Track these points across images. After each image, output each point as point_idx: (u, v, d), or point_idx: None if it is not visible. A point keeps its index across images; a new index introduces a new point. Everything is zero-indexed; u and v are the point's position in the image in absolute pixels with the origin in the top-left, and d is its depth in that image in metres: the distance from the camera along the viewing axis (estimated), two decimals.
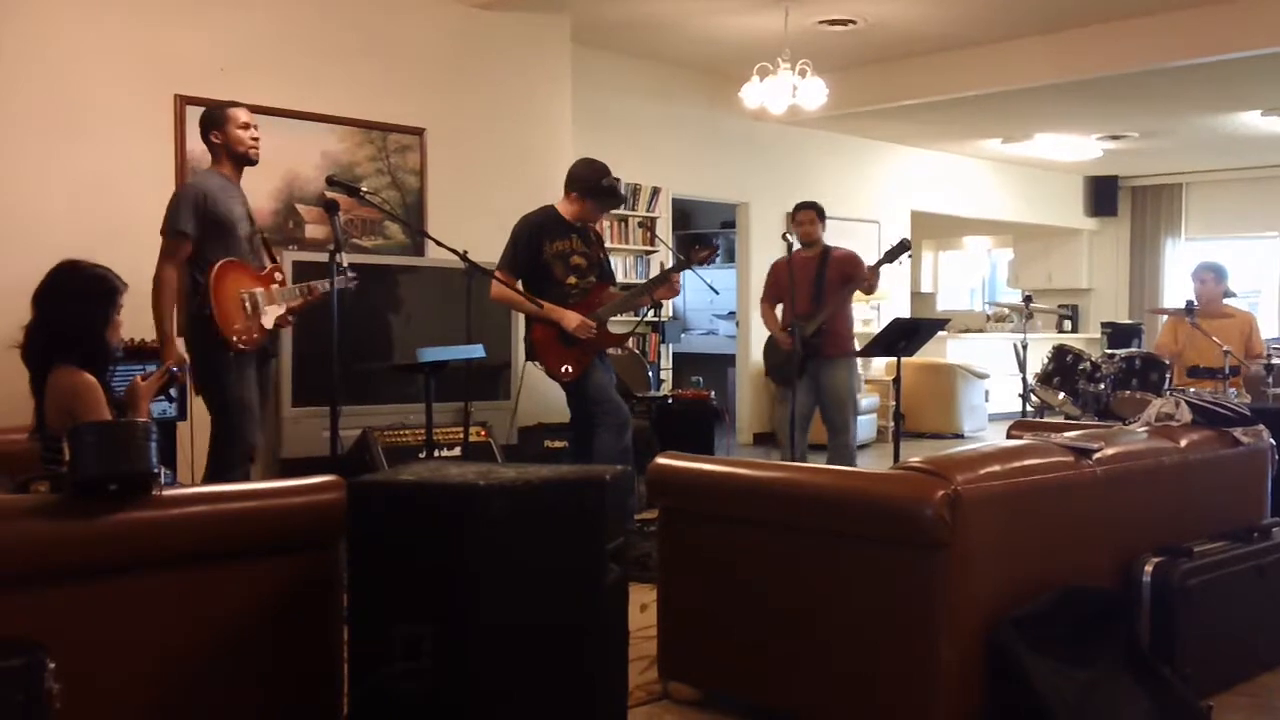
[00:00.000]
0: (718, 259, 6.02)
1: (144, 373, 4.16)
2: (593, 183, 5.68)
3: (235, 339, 4.65)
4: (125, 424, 3.11)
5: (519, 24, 7.63)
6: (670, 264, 9.64)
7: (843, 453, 6.62)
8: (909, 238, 7.14)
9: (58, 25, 5.81)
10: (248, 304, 4.73)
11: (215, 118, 4.85)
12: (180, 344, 4.72)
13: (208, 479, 4.68)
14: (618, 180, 5.84)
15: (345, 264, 4.70)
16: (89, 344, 3.81)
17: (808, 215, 6.72)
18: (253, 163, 4.92)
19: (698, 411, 7.69)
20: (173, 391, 5.28)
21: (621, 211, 9.41)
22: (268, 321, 4.81)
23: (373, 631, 2.77)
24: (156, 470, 2.77)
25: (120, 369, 4.55)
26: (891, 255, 6.66)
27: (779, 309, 6.81)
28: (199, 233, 4.66)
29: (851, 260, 6.76)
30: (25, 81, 5.72)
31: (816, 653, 3.26)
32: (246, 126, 4.85)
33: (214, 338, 4.64)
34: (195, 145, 6.08)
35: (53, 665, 2.37)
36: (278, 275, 4.94)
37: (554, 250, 5.64)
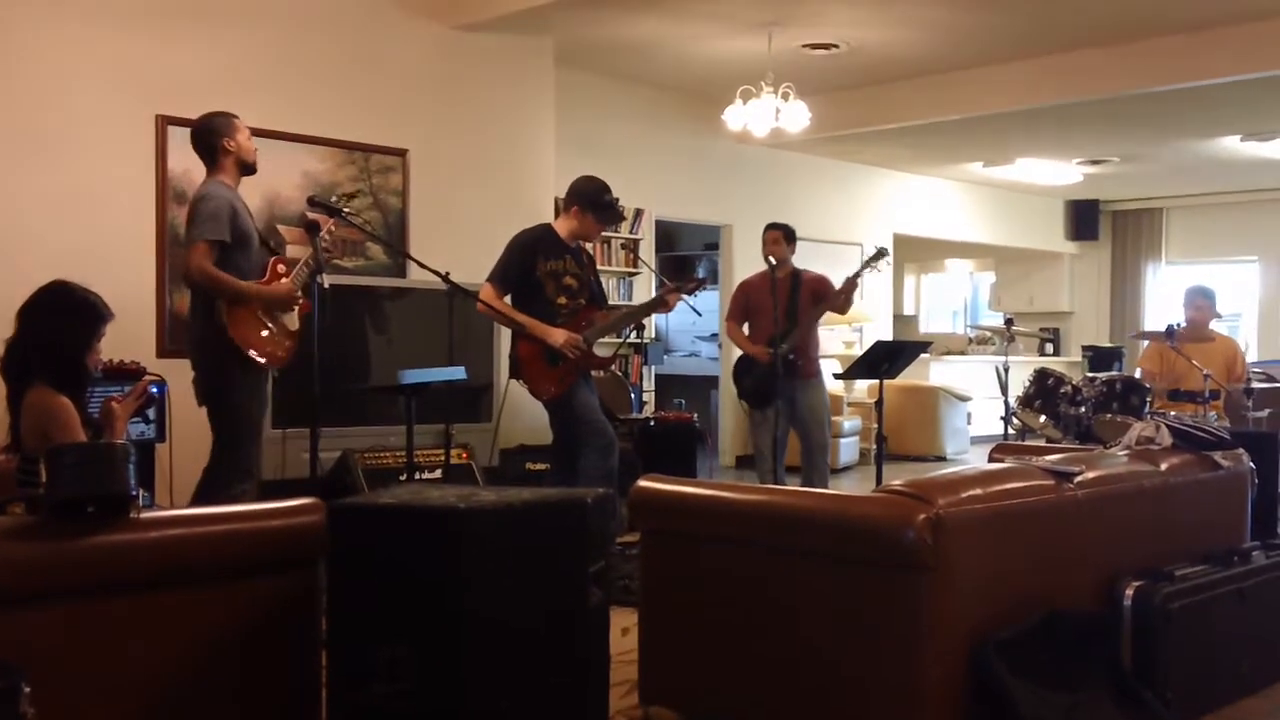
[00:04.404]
0: (705, 287, 6.05)
1: (120, 394, 4.14)
2: (595, 197, 5.69)
3: (261, 357, 4.59)
4: (103, 445, 3.09)
5: (502, 45, 7.64)
6: (654, 286, 9.67)
7: (823, 471, 6.65)
8: (886, 247, 7.25)
9: (39, 43, 5.79)
10: (266, 320, 4.67)
11: (224, 126, 4.76)
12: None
13: (199, 497, 4.59)
14: (617, 199, 5.86)
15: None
16: (68, 365, 3.79)
17: (773, 235, 6.75)
18: (253, 173, 4.89)
19: (680, 433, 7.68)
20: (150, 413, 5.23)
21: (605, 232, 9.41)
22: (291, 323, 4.74)
23: (353, 653, 2.76)
24: (134, 492, 2.75)
25: (97, 389, 4.51)
26: (869, 263, 6.78)
27: (745, 328, 6.85)
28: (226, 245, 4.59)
29: (821, 282, 6.86)
30: (5, 99, 5.69)
31: (799, 676, 3.24)
32: (249, 136, 4.82)
33: (231, 354, 4.56)
34: (176, 165, 6.11)
35: (29, 689, 2.35)
36: (280, 268, 4.82)
37: (547, 269, 5.63)
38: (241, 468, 4.63)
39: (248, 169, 4.83)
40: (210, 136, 4.77)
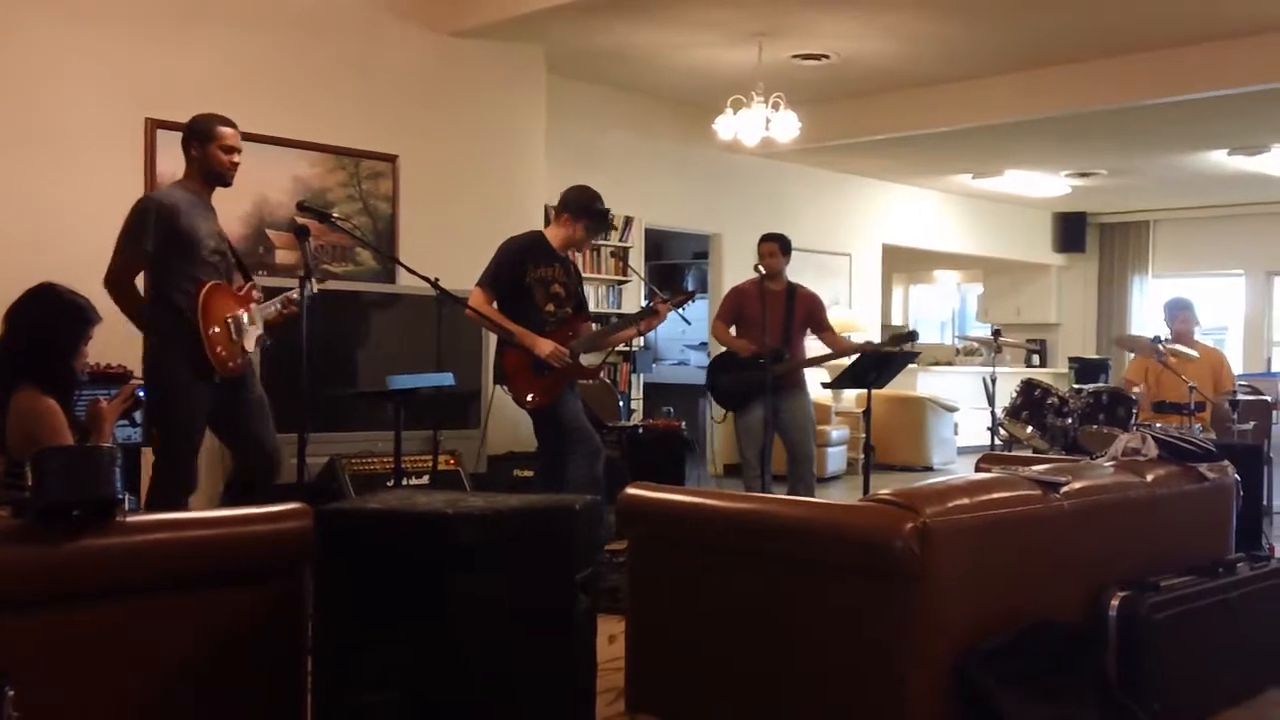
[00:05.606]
0: (695, 299, 6.03)
1: (108, 396, 4.12)
2: (586, 206, 5.69)
3: (219, 367, 4.47)
4: (89, 449, 3.08)
5: (494, 53, 7.64)
6: (643, 294, 9.66)
7: (809, 481, 6.64)
8: (918, 332, 7.36)
9: (28, 46, 5.78)
10: (232, 329, 4.55)
11: (201, 131, 4.60)
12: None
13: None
14: (608, 209, 5.86)
15: (315, 289, 4.59)
16: (55, 368, 3.78)
17: (769, 247, 6.73)
18: (225, 185, 4.71)
19: (669, 442, 7.68)
20: (136, 416, 5.20)
21: (595, 240, 9.41)
22: (249, 344, 4.64)
23: (339, 660, 2.75)
24: (120, 496, 2.74)
25: (84, 393, 4.48)
26: (897, 343, 6.78)
27: (732, 329, 6.82)
28: (157, 249, 4.44)
29: (816, 302, 6.90)
30: None
31: (785, 684, 3.24)
32: (230, 150, 4.62)
33: (181, 364, 4.46)
34: (165, 169, 6.09)
35: (13, 693, 2.33)
36: (255, 294, 4.74)
37: (537, 275, 5.62)
38: (181, 485, 4.48)
39: (216, 180, 4.65)
40: (185, 138, 4.65)
